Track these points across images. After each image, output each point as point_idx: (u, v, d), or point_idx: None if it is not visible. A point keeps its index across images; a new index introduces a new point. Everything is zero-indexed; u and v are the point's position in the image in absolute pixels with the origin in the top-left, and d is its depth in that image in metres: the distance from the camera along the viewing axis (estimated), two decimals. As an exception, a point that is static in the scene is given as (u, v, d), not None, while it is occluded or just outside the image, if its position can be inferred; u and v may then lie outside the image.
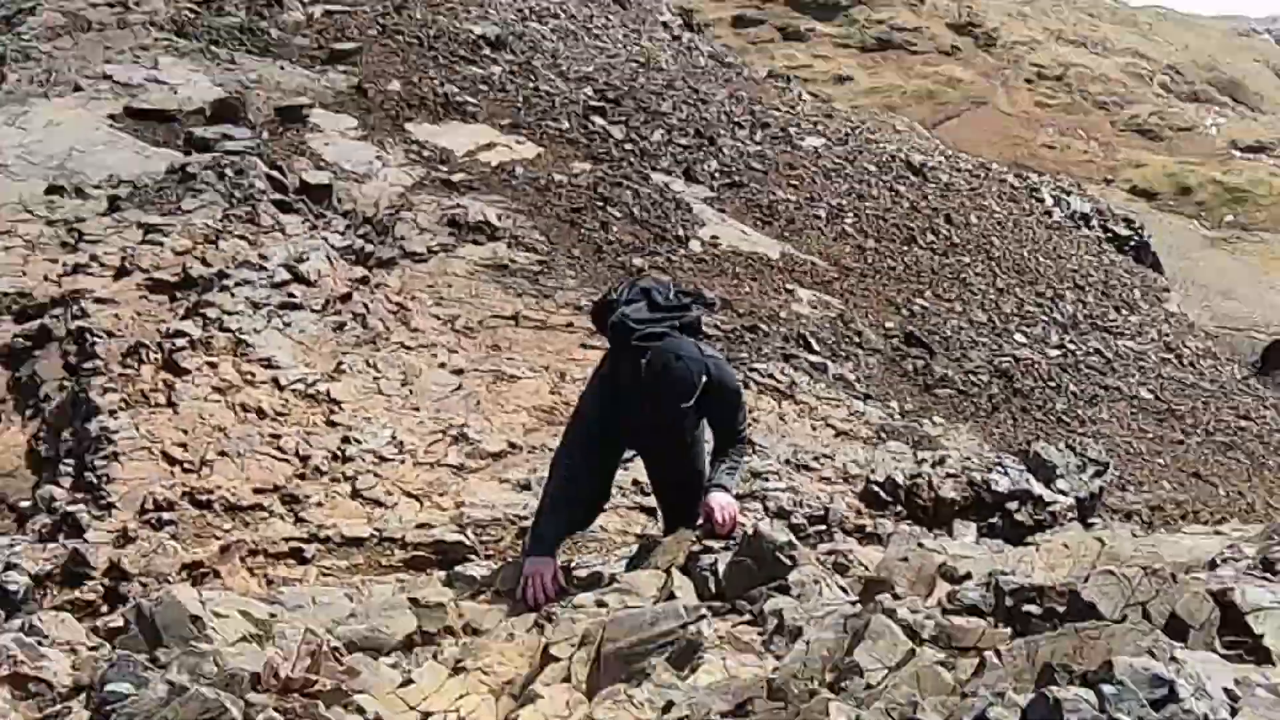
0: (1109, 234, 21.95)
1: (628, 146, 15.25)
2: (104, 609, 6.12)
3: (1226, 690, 3.30)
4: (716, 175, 15.47)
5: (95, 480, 7.16)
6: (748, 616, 5.00)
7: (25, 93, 12.94)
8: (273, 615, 5.01)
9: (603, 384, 5.65)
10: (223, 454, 7.37)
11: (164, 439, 7.45)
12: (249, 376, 8.13)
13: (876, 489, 7.57)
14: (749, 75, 23.95)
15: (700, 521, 5.66)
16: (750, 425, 6.07)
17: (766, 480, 7.89)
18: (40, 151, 11.50)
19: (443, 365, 8.74)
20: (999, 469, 7.44)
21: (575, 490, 5.62)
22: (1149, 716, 3.14)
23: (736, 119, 17.69)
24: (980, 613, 4.52)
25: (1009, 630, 4.31)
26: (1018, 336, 14.28)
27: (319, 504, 7.04)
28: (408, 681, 4.78)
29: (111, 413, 7.62)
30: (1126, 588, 4.28)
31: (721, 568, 5.33)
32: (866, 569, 5.41)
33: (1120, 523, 8.51)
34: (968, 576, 5.05)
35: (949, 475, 7.48)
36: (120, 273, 9.23)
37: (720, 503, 5.47)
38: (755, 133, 17.39)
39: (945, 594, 4.86)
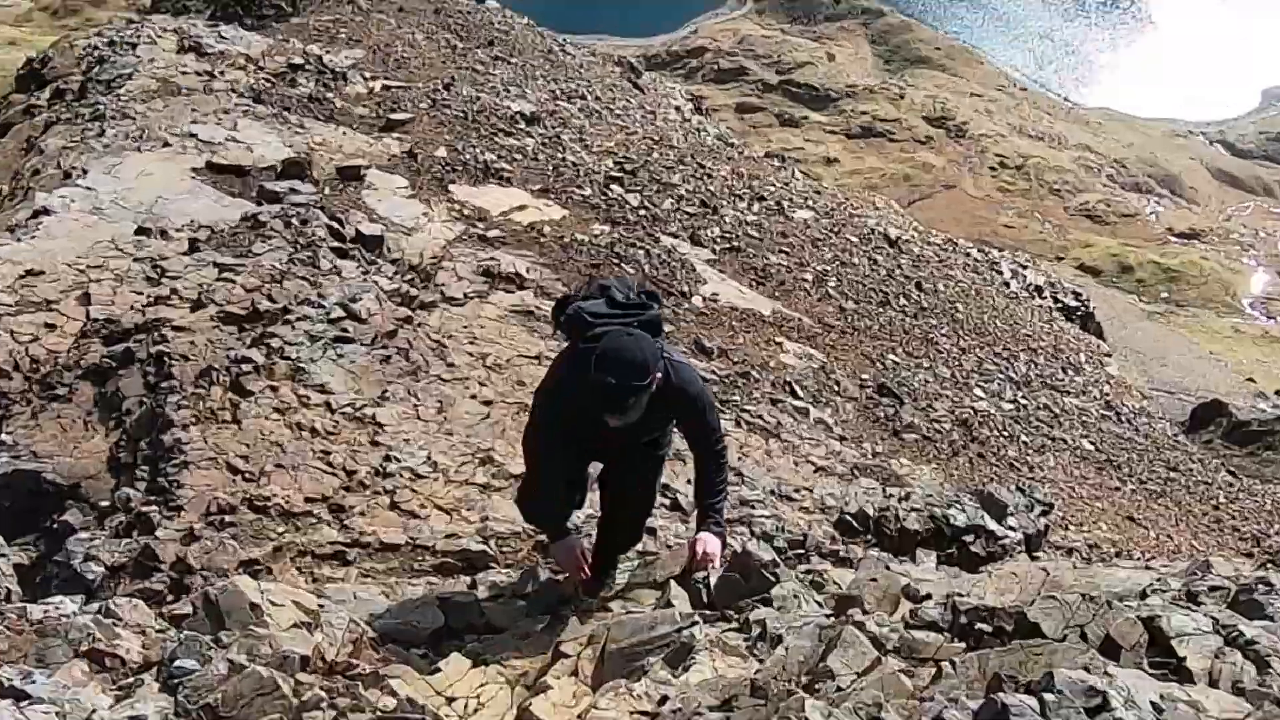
0: (1059, 304, 22.01)
1: (641, 212, 15.33)
2: (169, 598, 6.14)
3: (1153, 704, 3.30)
4: (718, 240, 15.53)
5: (167, 485, 7.18)
6: (735, 624, 4.99)
7: (120, 146, 13.06)
8: (321, 606, 5.03)
9: (550, 399, 4.94)
10: (279, 466, 7.38)
11: (228, 451, 7.47)
12: (305, 399, 8.15)
13: (849, 519, 7.57)
14: (749, 154, 24.14)
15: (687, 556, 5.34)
16: (724, 435, 5.16)
17: (753, 508, 7.90)
18: (131, 198, 11.59)
19: (474, 396, 8.75)
20: (957, 505, 7.44)
21: (554, 482, 5.11)
22: (1084, 723, 3.15)
23: (737, 192, 17.80)
24: (938, 629, 4.53)
25: (963, 645, 4.32)
26: (976, 391, 14.31)
27: (361, 513, 7.05)
28: (435, 670, 4.79)
29: (184, 426, 7.65)
30: (1067, 611, 4.29)
31: (713, 581, 5.34)
32: (839, 587, 5.37)
33: (1062, 557, 8.49)
34: (928, 597, 5.05)
35: (913, 509, 7.48)
36: (196, 305, 9.28)
37: (705, 547, 5.10)
38: (753, 205, 17.50)
39: (908, 611, 4.87)
